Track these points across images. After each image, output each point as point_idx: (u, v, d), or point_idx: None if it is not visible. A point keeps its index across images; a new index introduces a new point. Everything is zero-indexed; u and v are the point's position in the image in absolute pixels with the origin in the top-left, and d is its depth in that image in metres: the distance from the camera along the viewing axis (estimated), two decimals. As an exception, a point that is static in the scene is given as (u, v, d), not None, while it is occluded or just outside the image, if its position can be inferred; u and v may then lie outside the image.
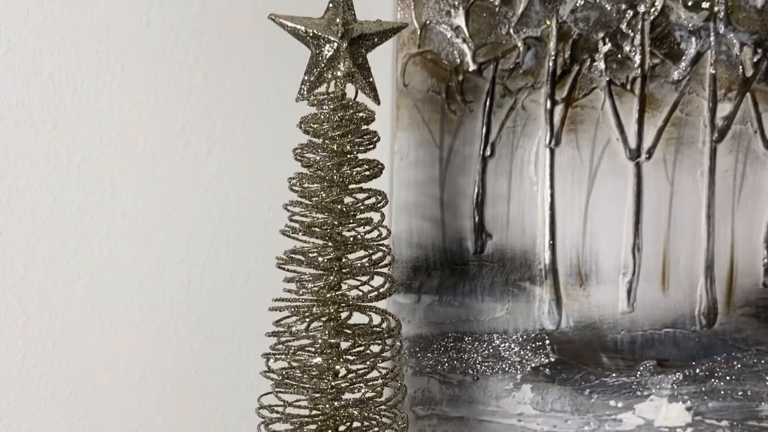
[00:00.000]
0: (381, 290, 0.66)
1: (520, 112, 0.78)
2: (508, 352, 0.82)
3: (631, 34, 0.79)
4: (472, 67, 0.77)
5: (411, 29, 0.77)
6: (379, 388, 0.66)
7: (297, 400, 0.67)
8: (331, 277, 0.64)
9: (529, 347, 0.82)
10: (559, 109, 0.78)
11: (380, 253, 0.66)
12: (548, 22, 0.77)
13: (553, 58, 0.77)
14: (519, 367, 0.81)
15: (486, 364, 0.81)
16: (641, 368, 0.81)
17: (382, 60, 0.78)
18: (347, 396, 0.66)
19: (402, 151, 0.78)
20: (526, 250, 0.80)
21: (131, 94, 0.81)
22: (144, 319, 0.83)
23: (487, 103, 0.77)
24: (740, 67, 0.78)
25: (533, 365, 0.81)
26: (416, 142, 0.78)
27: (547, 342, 0.80)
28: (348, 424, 0.67)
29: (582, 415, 0.81)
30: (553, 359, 0.80)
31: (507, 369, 0.80)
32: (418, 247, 0.79)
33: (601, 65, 0.78)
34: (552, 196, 0.79)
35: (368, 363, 0.66)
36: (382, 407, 0.66)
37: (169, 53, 0.81)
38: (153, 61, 0.81)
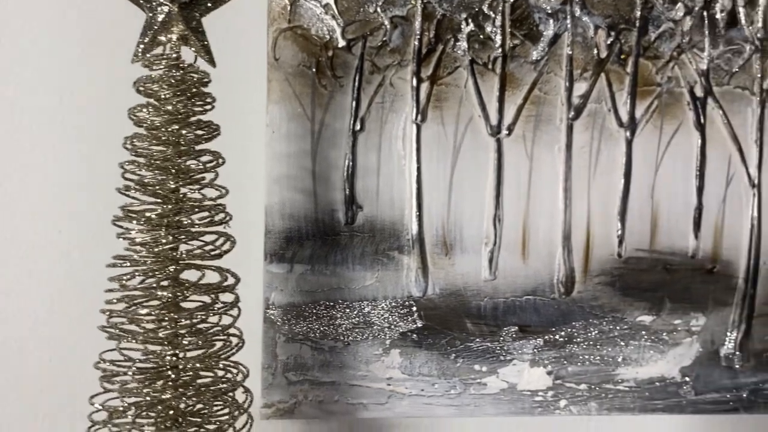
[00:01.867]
0: (222, 248, 0.63)
1: (389, 89, 0.76)
2: (377, 319, 0.81)
3: (493, 16, 0.77)
4: (341, 43, 0.74)
5: (281, 4, 0.75)
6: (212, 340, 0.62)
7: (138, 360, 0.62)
8: (167, 236, 0.60)
9: (397, 314, 0.80)
10: (424, 87, 0.75)
11: (221, 214, 0.62)
12: (413, 2, 0.74)
13: (418, 37, 0.75)
14: (388, 333, 0.78)
15: (356, 330, 0.78)
16: (504, 334, 0.78)
17: (254, 34, 0.77)
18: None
19: (274, 124, 0.75)
20: (395, 221, 0.77)
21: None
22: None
23: (357, 79, 0.74)
24: (595, 48, 0.76)
25: (401, 331, 0.78)
26: (288, 115, 0.74)
27: (415, 309, 0.77)
28: (190, 374, 0.62)
29: (448, 379, 0.79)
30: (420, 325, 0.77)
31: (376, 335, 0.77)
32: (290, 219, 0.75)
33: (464, 45, 0.75)
34: (419, 169, 0.76)
35: (200, 316, 0.61)
36: (217, 358, 0.62)
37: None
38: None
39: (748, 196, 0.79)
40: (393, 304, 0.77)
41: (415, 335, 0.78)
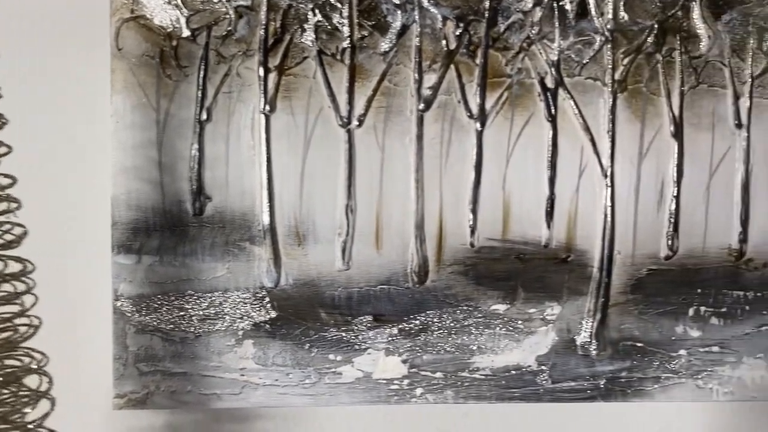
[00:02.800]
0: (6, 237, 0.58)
1: (236, 79, 0.72)
2: (229, 310, 0.78)
3: (340, 6, 0.75)
4: (186, 33, 0.70)
5: (122, -6, 0.74)
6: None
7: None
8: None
9: (249, 305, 0.77)
10: (272, 77, 0.72)
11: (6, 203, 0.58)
12: (257, -8, 0.76)
13: (264, 27, 0.74)
14: (240, 324, 0.75)
15: (208, 321, 0.75)
16: (358, 323, 0.76)
17: (97, 23, 0.76)
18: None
19: (118, 114, 0.71)
20: (245, 212, 0.74)
21: None
22: None
23: (202, 69, 0.72)
24: (444, 40, 0.74)
25: (254, 322, 0.74)
26: (132, 105, 0.70)
27: (267, 299, 0.74)
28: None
29: (303, 369, 0.75)
30: (273, 315, 0.75)
31: (228, 326, 0.75)
32: (137, 209, 0.71)
33: (312, 35, 0.75)
34: (269, 160, 0.73)
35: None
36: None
37: None
38: None
39: (601, 186, 0.78)
40: (245, 295, 0.75)
41: (268, 326, 0.76)
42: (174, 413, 0.77)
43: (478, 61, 0.74)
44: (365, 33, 0.72)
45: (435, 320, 0.77)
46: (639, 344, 0.79)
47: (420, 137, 0.74)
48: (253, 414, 0.78)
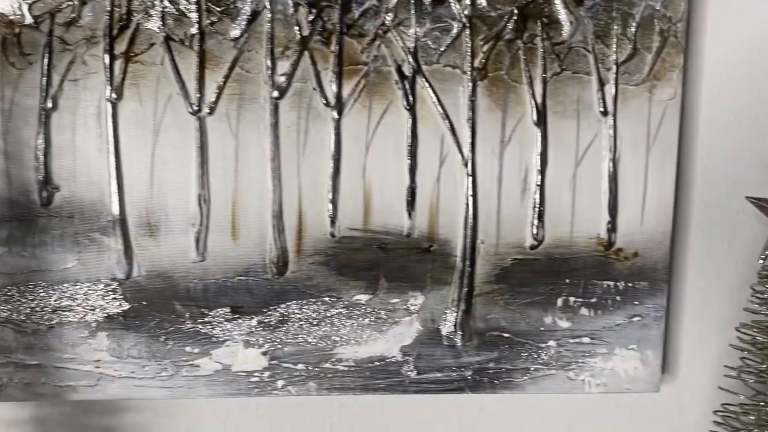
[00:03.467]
0: None
1: (81, 66, 0.68)
2: (81, 302, 0.75)
3: None
4: (28, 20, 0.67)
5: (-44, -20, 0.71)
6: None
7: None
8: None
9: (102, 296, 0.72)
10: (119, 64, 0.68)
11: None
12: (99, -23, 0.73)
13: (109, 13, 0.69)
14: (93, 315, 0.71)
15: (59, 312, 0.71)
16: (216, 315, 0.73)
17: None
18: None
19: None
20: (95, 202, 0.70)
21: None
22: None
23: (46, 57, 0.68)
24: (296, 26, 0.70)
25: (107, 313, 0.71)
26: None
27: (120, 291, 0.71)
28: None
29: (159, 361, 0.72)
30: (127, 307, 0.71)
31: (81, 318, 0.71)
32: None
33: (159, 21, 0.69)
34: (117, 149, 0.69)
35: None
36: None
37: None
38: None
39: (462, 175, 0.75)
40: (97, 286, 0.72)
41: (122, 318, 0.73)
42: (30, 406, 0.75)
43: (332, 48, 0.71)
44: (214, 19, 0.70)
45: (296, 311, 0.74)
46: (506, 335, 0.77)
47: (275, 125, 0.72)
48: (110, 405, 0.77)
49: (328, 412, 0.80)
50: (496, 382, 0.77)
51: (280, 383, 0.75)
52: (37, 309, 0.71)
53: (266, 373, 0.74)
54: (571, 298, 0.77)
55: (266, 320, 0.74)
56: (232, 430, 0.80)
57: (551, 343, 0.77)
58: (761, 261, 0.65)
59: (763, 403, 0.67)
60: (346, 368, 0.75)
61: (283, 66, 0.71)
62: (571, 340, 0.77)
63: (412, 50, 0.72)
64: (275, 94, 0.71)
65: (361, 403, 0.80)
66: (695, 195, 0.79)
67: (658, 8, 0.73)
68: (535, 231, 0.75)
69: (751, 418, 0.67)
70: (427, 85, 0.72)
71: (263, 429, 0.80)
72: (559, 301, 0.77)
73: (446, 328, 0.76)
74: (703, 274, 0.80)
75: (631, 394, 0.80)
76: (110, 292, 0.72)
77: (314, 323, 0.74)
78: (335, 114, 0.72)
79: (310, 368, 0.75)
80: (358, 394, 0.76)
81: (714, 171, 0.79)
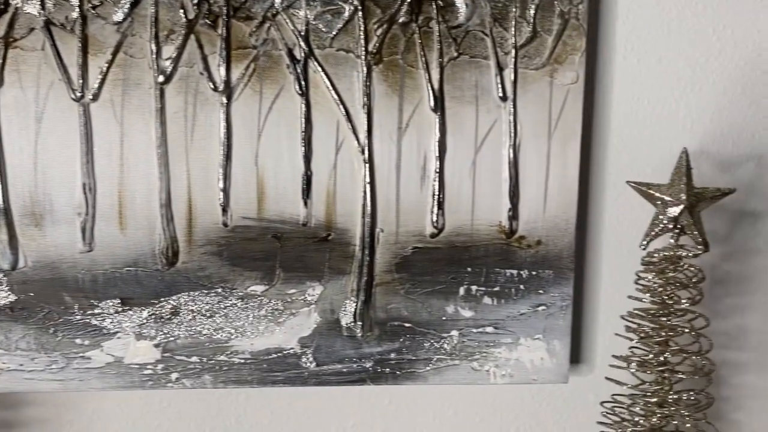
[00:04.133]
0: None
1: None
2: None
3: None
4: None
5: None
6: None
7: None
8: None
9: None
10: None
11: None
12: (-29, -41, 0.71)
13: None
14: None
15: None
16: (106, 307, 0.70)
17: None
18: None
19: None
20: None
21: None
22: None
23: None
24: (182, 9, 0.67)
25: None
26: None
27: (6, 282, 0.68)
28: None
29: (49, 354, 0.70)
30: (13, 299, 0.69)
31: None
32: None
33: (38, 5, 0.66)
34: None
35: None
36: None
37: None
38: None
39: (359, 162, 0.73)
40: (-19, 277, 0.71)
41: (9, 309, 0.71)
42: None
43: (219, 31, 0.69)
44: (96, 2, 0.67)
45: (188, 303, 0.72)
46: (407, 325, 0.75)
47: (161, 111, 0.69)
48: (21, 400, 0.74)
49: (234, 405, 0.78)
50: (398, 373, 0.75)
51: (174, 376, 0.72)
52: None
53: (159, 366, 0.72)
54: (474, 287, 0.74)
55: (158, 312, 0.71)
56: (134, 423, 0.78)
57: (454, 332, 0.75)
58: (643, 247, 0.63)
59: (649, 393, 0.65)
60: (242, 361, 0.73)
61: (169, 50, 0.68)
62: (474, 330, 0.75)
63: (303, 34, 0.69)
64: (161, 79, 0.68)
65: (267, 395, 0.78)
66: (601, 181, 0.76)
67: (557, -10, 0.70)
68: (435, 219, 0.73)
69: (637, 408, 0.65)
70: (319, 69, 0.70)
71: (166, 422, 0.78)
72: (461, 290, 0.74)
73: (346, 318, 0.74)
74: (611, 261, 0.78)
75: (537, 385, 0.78)
76: (-5, 284, 0.69)
77: (208, 315, 0.72)
78: (224, 99, 0.69)
79: (205, 361, 0.73)
80: (255, 387, 0.74)
81: (621, 157, 0.76)
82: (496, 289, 0.74)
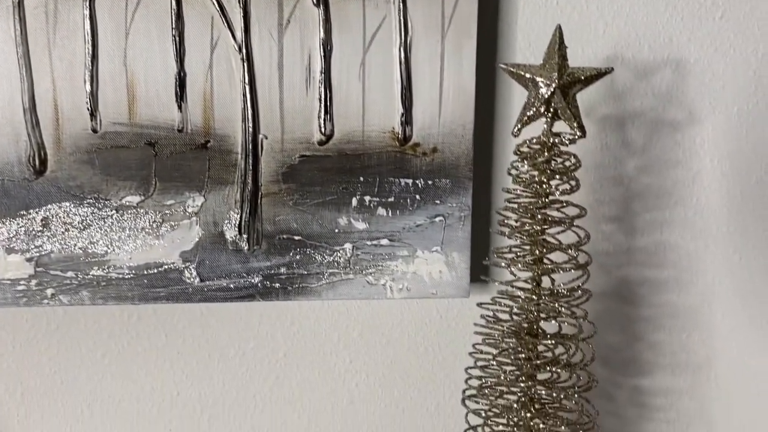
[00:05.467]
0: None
1: None
2: None
3: None
4: None
5: None
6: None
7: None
8: None
9: None
10: None
11: None
12: None
13: None
14: None
15: None
16: None
17: None
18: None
19: None
20: None
21: None
22: None
23: None
24: None
25: None
26: None
27: None
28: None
29: None
30: None
31: None
32: None
33: None
34: None
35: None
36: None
37: None
38: None
39: (237, 62, 0.67)
40: None
41: None
42: None
43: None
44: None
45: (60, 215, 0.67)
46: (297, 238, 0.70)
47: (20, 6, 0.63)
48: None
49: (126, 328, 0.74)
50: (289, 288, 0.70)
51: (49, 292, 0.68)
52: None
53: (33, 282, 0.67)
54: (367, 198, 0.69)
55: (28, 224, 0.66)
56: (21, 347, 0.73)
57: (347, 245, 0.70)
58: (515, 134, 0.56)
59: (526, 290, 0.59)
60: (120, 276, 0.68)
61: (23, -61, 0.62)
62: (369, 243, 0.70)
63: None
64: (16, -29, 0.62)
65: (160, 317, 0.74)
66: (502, 85, 0.71)
67: None
68: (322, 125, 0.67)
69: (514, 308, 0.59)
70: (189, -39, 0.63)
71: (55, 345, 0.73)
72: (354, 201, 0.69)
73: (230, 231, 0.69)
74: (515, 171, 0.73)
75: (436, 300, 0.73)
76: None
77: (81, 227, 0.67)
78: (86, -7, 0.63)
79: (81, 276, 0.68)
80: (137, 304, 0.69)
81: (527, 61, 0.71)
82: (391, 199, 0.69)
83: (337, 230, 0.69)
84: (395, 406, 0.79)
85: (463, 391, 0.66)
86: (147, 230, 0.67)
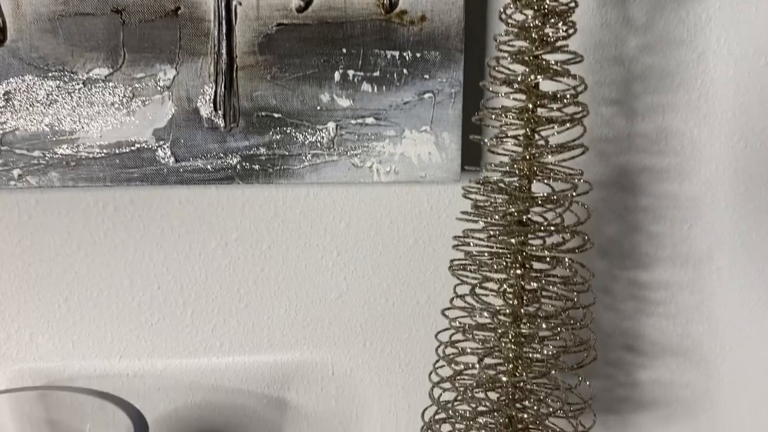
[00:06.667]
0: None
1: None
2: None
3: None
4: None
5: None
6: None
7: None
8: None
9: None
10: None
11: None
12: None
13: None
14: None
15: None
16: None
17: None
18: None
19: None
20: None
21: None
22: None
23: None
24: None
25: None
26: None
27: None
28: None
29: None
30: None
31: None
32: None
33: None
34: None
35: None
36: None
37: None
38: None
39: None
40: None
41: None
42: None
43: None
44: None
45: (23, 89, 0.62)
46: (277, 115, 0.65)
47: None
48: None
49: (102, 218, 0.69)
50: (269, 170, 0.66)
51: (16, 173, 0.63)
52: None
53: (-2, 162, 0.63)
54: (350, 72, 0.64)
55: (-11, 99, 0.62)
56: (-7, 237, 0.69)
57: (330, 124, 0.65)
58: None
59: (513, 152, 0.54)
60: (90, 155, 0.64)
61: None
62: (353, 122, 0.65)
63: None
64: None
65: (137, 205, 0.69)
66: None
67: None
68: (301, -11, 0.62)
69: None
70: None
71: (28, 237, 0.69)
72: (337, 76, 0.64)
73: (205, 108, 0.64)
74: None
75: (426, 184, 0.69)
76: None
77: (47, 103, 0.62)
78: None
79: (48, 156, 0.63)
80: (109, 186, 0.65)
81: None
82: (376, 74, 0.64)
83: (319, 107, 0.65)
84: (385, 300, 0.75)
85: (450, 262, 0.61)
86: (117, 106, 0.63)
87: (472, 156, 0.69)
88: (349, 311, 0.75)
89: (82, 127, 0.63)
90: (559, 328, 0.51)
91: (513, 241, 0.52)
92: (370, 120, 0.65)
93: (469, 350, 0.58)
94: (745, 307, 0.80)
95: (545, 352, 0.52)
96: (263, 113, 0.64)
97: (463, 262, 0.58)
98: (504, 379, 0.52)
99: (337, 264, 0.74)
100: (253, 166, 0.65)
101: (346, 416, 0.77)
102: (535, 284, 0.53)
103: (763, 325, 0.80)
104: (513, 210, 0.53)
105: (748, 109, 0.74)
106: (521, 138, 0.54)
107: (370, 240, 0.73)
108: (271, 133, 0.65)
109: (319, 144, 0.65)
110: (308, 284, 0.74)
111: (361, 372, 0.76)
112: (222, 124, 0.64)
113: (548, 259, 0.54)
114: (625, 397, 0.81)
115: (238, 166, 0.65)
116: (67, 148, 0.63)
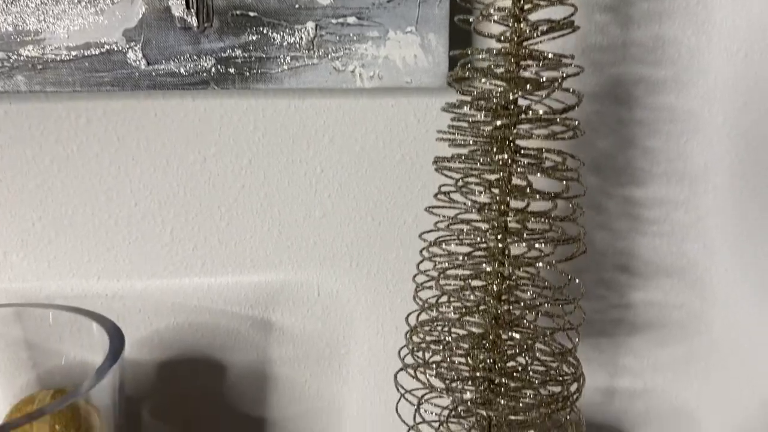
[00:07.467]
0: None
1: None
2: None
3: None
4: None
5: None
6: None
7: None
8: None
9: None
10: None
11: None
12: None
13: None
14: None
15: None
16: None
17: None
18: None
19: None
20: None
21: None
22: None
23: None
24: None
25: None
26: None
27: None
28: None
29: None
30: None
31: None
32: None
33: None
34: None
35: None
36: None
37: None
38: None
39: None
40: None
41: None
42: None
43: None
44: None
45: (-17, -16, 0.59)
46: (253, 14, 0.61)
47: None
48: None
49: (75, 132, 0.66)
50: (246, 73, 0.62)
51: (-18, 76, 0.60)
52: None
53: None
54: (330, -33, 0.60)
55: (-52, -5, 0.58)
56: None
57: (309, 24, 0.61)
58: None
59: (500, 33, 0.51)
60: (57, 57, 0.60)
61: None
62: (334, 21, 0.62)
63: None
64: None
65: (111, 118, 0.66)
66: None
67: None
68: None
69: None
70: None
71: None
72: (316, -29, 0.60)
73: (177, 7, 0.60)
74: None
75: (413, 90, 0.66)
76: None
77: (10, 0, 0.58)
78: None
79: (13, 57, 0.60)
80: (79, 91, 0.61)
81: None
82: (358, -31, 0.60)
83: (297, 5, 0.61)
84: (371, 219, 0.72)
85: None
86: (84, 4, 0.59)
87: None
88: (335, 230, 0.72)
89: (48, 27, 0.59)
90: (545, 220, 0.48)
91: (498, 122, 0.48)
92: (351, 19, 0.61)
93: (454, 245, 0.55)
94: (741, 225, 0.77)
95: (535, 246, 0.49)
96: (238, 12, 0.60)
97: (448, 157, 0.55)
98: (488, 269, 0.49)
99: (321, 181, 0.71)
100: (228, 69, 0.62)
101: (332, 338, 0.74)
102: (523, 182, 0.50)
103: (759, 244, 0.78)
104: (499, 93, 0.49)
105: (748, 17, 0.71)
106: (508, 15, 0.50)
107: (354, 156, 0.70)
108: (246, 33, 0.61)
109: (297, 46, 0.62)
110: (292, 202, 0.71)
111: (348, 293, 0.74)
112: (195, 24, 0.60)
113: (534, 152, 0.50)
114: (618, 319, 0.78)
115: (213, 70, 0.61)
116: (33, 49, 0.59)
